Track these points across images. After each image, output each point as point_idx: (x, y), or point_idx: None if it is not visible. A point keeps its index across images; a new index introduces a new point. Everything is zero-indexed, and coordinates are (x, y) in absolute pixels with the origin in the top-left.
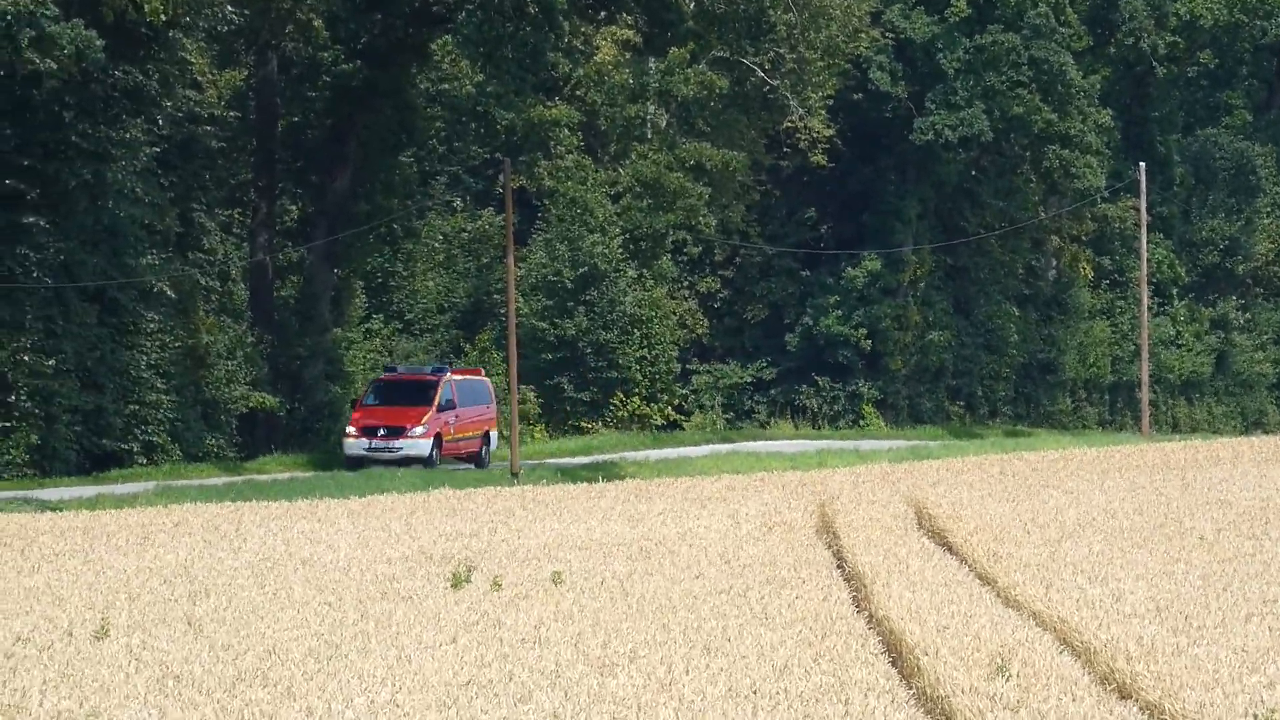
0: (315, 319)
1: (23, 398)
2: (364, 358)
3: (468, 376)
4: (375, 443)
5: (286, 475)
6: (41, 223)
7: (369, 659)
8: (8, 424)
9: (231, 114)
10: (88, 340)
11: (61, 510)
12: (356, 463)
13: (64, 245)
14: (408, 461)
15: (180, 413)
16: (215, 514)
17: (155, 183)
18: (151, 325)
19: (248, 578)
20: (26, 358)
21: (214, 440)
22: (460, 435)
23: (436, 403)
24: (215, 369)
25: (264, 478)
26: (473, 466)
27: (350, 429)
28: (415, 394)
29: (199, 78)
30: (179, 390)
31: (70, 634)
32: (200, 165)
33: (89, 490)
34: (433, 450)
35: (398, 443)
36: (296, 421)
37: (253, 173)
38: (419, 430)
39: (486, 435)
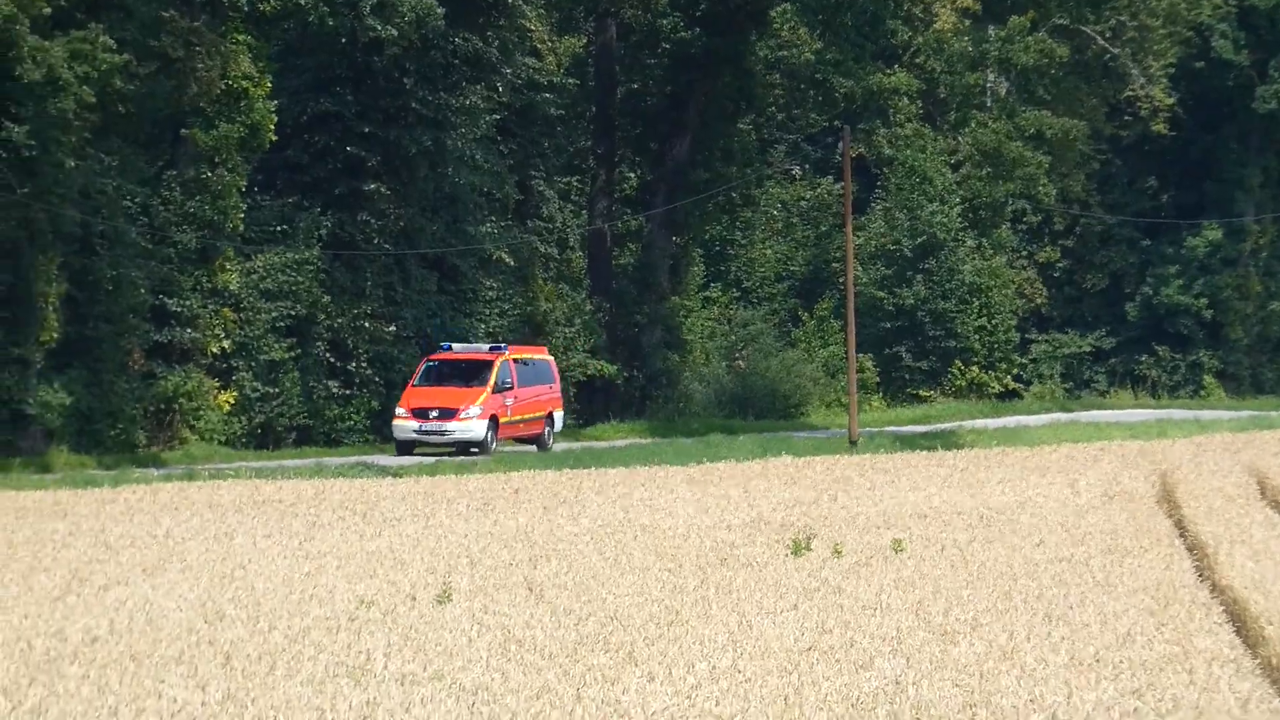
0: (653, 287)
1: (363, 364)
2: (702, 326)
3: (529, 355)
4: (426, 425)
5: (624, 442)
6: (382, 189)
7: (709, 625)
8: (348, 391)
9: (570, 81)
10: (427, 307)
11: (402, 476)
12: (407, 447)
13: (404, 212)
14: (460, 446)
15: None
16: (554, 480)
17: (494, 150)
18: (490, 292)
19: (587, 544)
20: (367, 324)
21: None
22: (519, 417)
23: (492, 383)
24: (554, 336)
25: (602, 444)
26: (535, 449)
27: (400, 410)
28: (470, 374)
29: (538, 45)
30: None
31: (413, 598)
32: (539, 132)
33: (428, 457)
34: (488, 433)
35: (450, 425)
36: (634, 389)
37: (591, 140)
38: (473, 411)
39: (550, 416)
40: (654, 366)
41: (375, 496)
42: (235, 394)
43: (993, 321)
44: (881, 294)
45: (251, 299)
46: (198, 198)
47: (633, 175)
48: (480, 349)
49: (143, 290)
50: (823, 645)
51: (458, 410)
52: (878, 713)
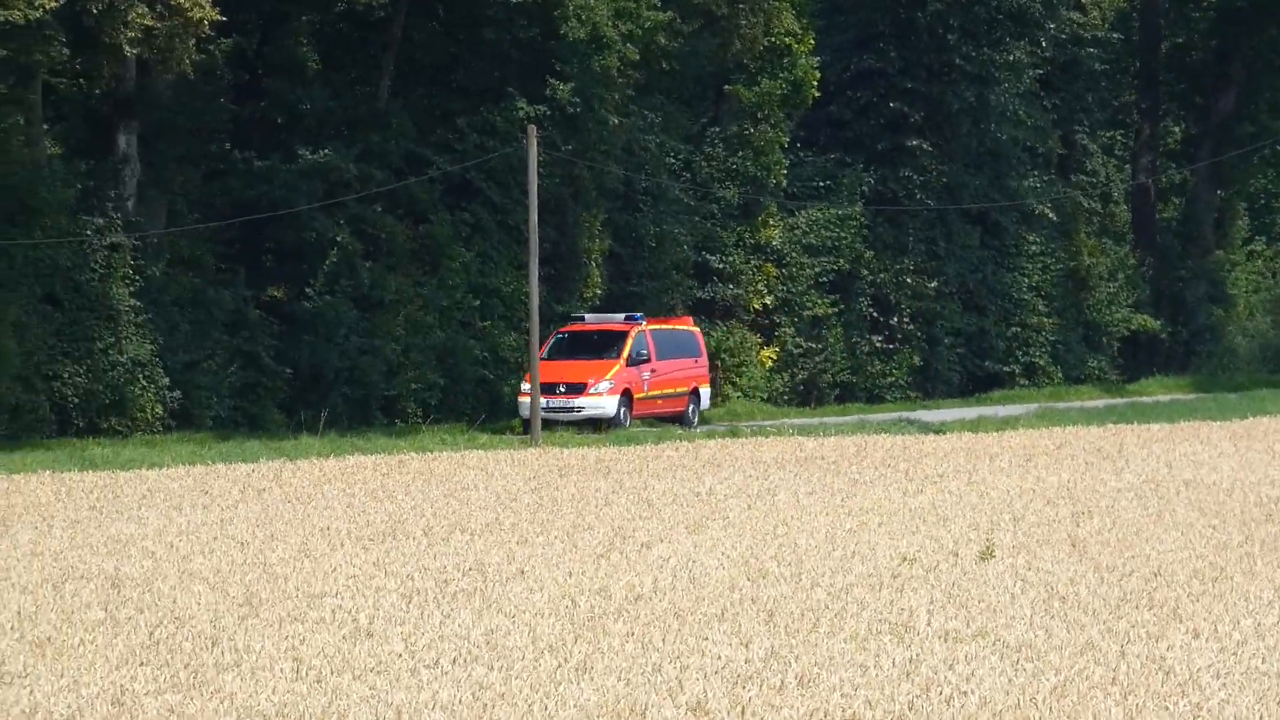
0: (1197, 241)
1: (905, 320)
2: (1246, 280)
3: (670, 326)
4: (554, 401)
5: (1168, 397)
6: (925, 145)
7: (1254, 581)
8: (891, 345)
9: (1114, 35)
10: (969, 262)
11: (944, 432)
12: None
13: (946, 168)
14: (591, 424)
15: (1061, 335)
16: (1097, 436)
17: (1037, 105)
18: (1033, 247)
19: (1130, 499)
20: (909, 279)
21: (1095, 362)
22: (658, 392)
23: (625, 356)
24: (1096, 291)
25: (1146, 400)
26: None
27: (524, 386)
28: (602, 346)
29: (1083, 0)
30: (1060, 313)
31: (955, 554)
32: (1082, 87)
33: (970, 412)
34: (620, 409)
35: (578, 401)
36: (1178, 344)
37: (1135, 94)
38: (604, 386)
39: (695, 392)
40: (1198, 321)
41: (917, 453)
42: (777, 350)
43: None
44: None
45: (794, 254)
46: (740, 154)
47: (1177, 129)
48: (615, 319)
49: (685, 246)
50: None
51: (587, 384)
52: None
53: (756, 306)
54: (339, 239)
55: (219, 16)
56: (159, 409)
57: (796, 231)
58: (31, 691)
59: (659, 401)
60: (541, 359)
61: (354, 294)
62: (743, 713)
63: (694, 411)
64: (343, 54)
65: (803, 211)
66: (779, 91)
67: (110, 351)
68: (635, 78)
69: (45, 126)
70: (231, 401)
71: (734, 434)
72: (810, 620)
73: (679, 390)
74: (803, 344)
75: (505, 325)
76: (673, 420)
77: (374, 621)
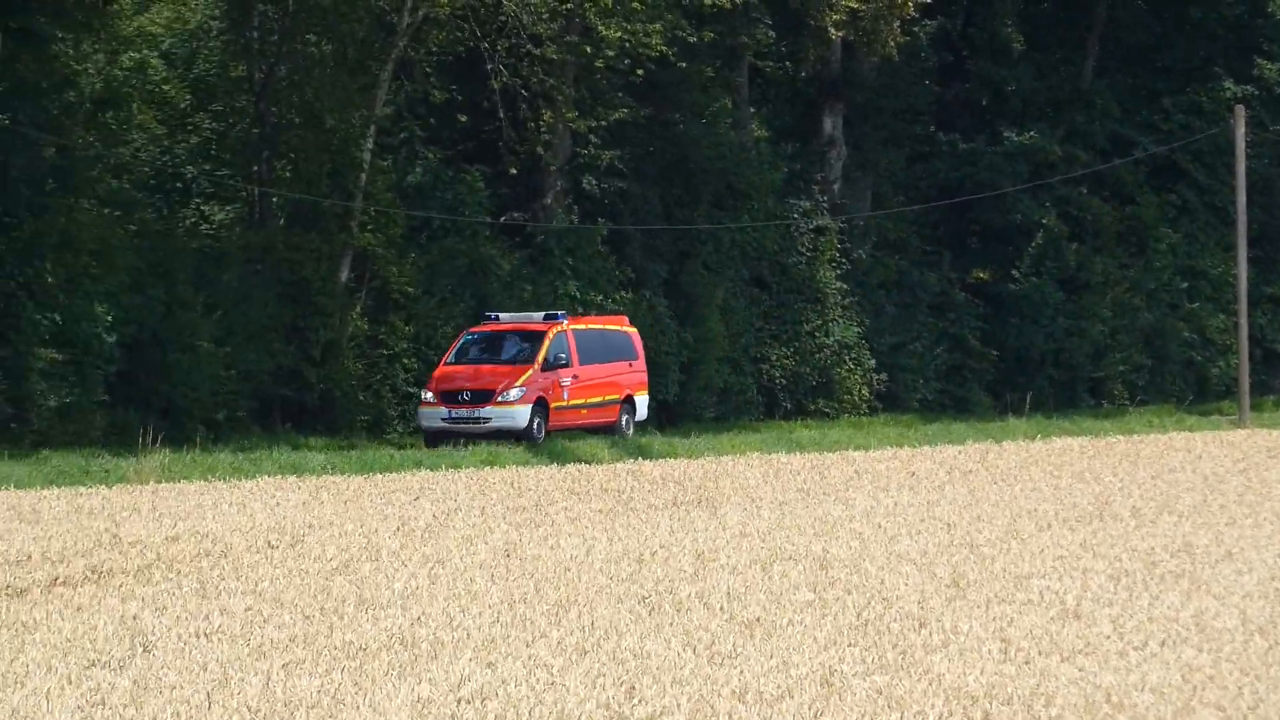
0: None
1: None
2: None
3: (599, 326)
4: (456, 411)
5: None
6: None
7: None
8: None
9: None
10: None
11: None
12: (435, 438)
13: None
14: (501, 435)
15: None
16: None
17: None
18: None
19: None
20: None
21: None
22: (580, 400)
23: (541, 359)
24: None
25: None
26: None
27: (426, 394)
28: (514, 349)
29: None
30: None
31: None
32: None
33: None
34: (533, 419)
35: (484, 411)
36: None
37: None
38: (514, 394)
39: (629, 400)
40: None
41: None
42: None
43: None
44: None
45: None
46: None
47: None
48: (533, 318)
49: None
50: None
51: (495, 392)
52: None
53: None
54: (1044, 221)
55: None
56: (865, 391)
57: None
58: (742, 671)
59: (583, 411)
60: (446, 364)
61: (1059, 276)
62: None
63: (628, 423)
64: (1047, 34)
65: None
66: None
67: (817, 334)
68: None
69: (752, 110)
70: (937, 384)
71: None
72: None
73: (608, 398)
74: None
75: (1213, 307)
76: (601, 431)
77: (1081, 603)
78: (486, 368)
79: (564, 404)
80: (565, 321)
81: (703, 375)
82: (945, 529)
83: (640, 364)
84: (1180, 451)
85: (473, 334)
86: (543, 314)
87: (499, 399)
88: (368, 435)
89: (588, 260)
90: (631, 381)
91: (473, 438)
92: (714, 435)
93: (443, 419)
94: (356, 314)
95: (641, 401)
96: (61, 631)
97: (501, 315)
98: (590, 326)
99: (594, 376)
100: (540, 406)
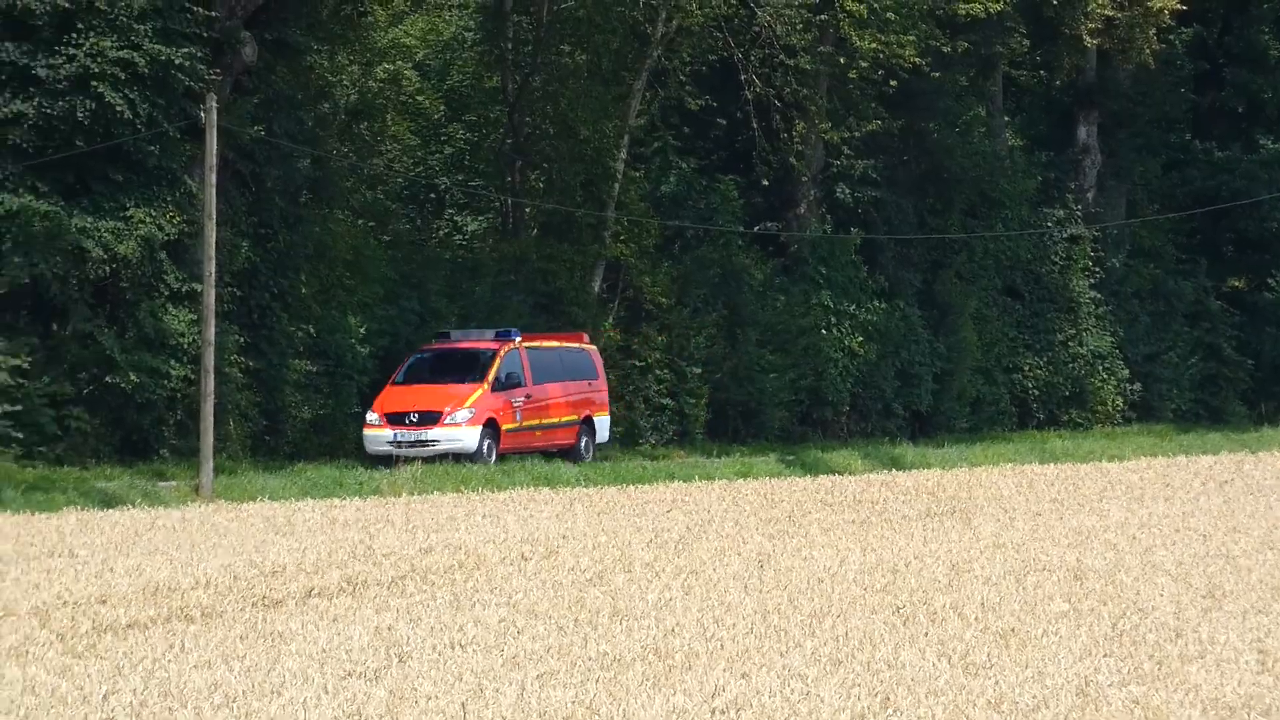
0: None
1: None
2: None
3: (553, 344)
4: (402, 433)
5: None
6: None
7: None
8: None
9: None
10: None
11: None
12: (382, 461)
13: None
14: (449, 458)
15: None
16: None
17: None
18: None
19: None
20: None
21: None
22: (534, 422)
23: (491, 378)
24: None
25: None
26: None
27: (371, 416)
28: (465, 368)
29: None
30: None
31: None
32: None
33: None
34: (482, 442)
35: (432, 433)
36: None
37: None
38: (462, 415)
39: (588, 421)
40: None
41: None
42: None
43: None
44: None
45: None
46: None
47: None
48: (484, 335)
49: None
50: None
51: (443, 413)
52: None
53: None
54: None
55: (1179, 6)
56: (1119, 401)
57: None
58: (996, 682)
59: (536, 433)
60: (394, 383)
61: None
62: None
63: (588, 445)
64: None
65: None
66: None
67: (1070, 344)
68: None
69: (1006, 118)
70: (1192, 394)
71: None
72: None
73: (565, 419)
74: None
75: None
76: (559, 454)
77: None
78: (435, 388)
79: (516, 425)
80: (518, 339)
81: (956, 385)
82: (1200, 540)
83: (601, 383)
84: None
85: (423, 353)
86: (494, 331)
87: (447, 420)
88: (620, 447)
89: (841, 270)
90: (591, 402)
91: (422, 460)
92: (967, 445)
93: (388, 442)
94: (609, 325)
95: (602, 423)
96: (317, 642)
97: (453, 333)
98: (545, 345)
99: (550, 396)
100: (491, 428)
